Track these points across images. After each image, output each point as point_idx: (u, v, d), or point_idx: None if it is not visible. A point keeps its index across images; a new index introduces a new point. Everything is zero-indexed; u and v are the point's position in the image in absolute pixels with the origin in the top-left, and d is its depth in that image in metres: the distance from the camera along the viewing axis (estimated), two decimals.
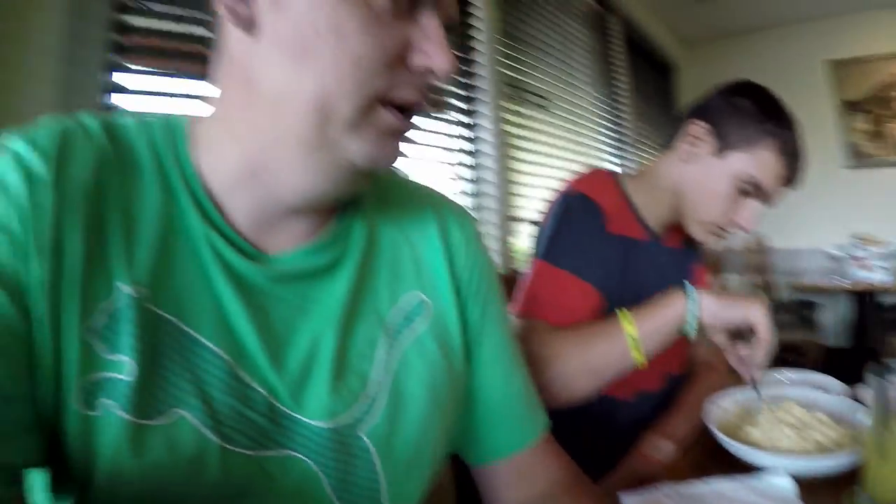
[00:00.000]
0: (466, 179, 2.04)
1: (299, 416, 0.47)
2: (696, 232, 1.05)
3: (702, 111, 1.03)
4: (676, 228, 1.12)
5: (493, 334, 0.64)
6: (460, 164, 2.01)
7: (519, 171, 2.29)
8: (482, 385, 0.63)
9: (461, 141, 2.03)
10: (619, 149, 3.22)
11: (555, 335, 0.87)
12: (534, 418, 0.67)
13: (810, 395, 0.96)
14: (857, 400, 0.90)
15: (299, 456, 0.47)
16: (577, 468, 0.69)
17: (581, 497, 0.65)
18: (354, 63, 0.42)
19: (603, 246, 0.97)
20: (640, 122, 3.56)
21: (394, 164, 0.49)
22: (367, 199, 0.58)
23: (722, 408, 0.92)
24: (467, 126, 2.05)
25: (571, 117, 2.74)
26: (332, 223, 0.55)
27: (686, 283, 0.86)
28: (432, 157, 1.95)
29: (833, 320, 4.19)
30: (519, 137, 2.31)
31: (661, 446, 0.91)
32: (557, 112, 2.63)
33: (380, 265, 0.56)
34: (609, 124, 3.15)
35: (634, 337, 0.83)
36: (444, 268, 0.59)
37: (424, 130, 1.87)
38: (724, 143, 0.98)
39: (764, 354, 0.84)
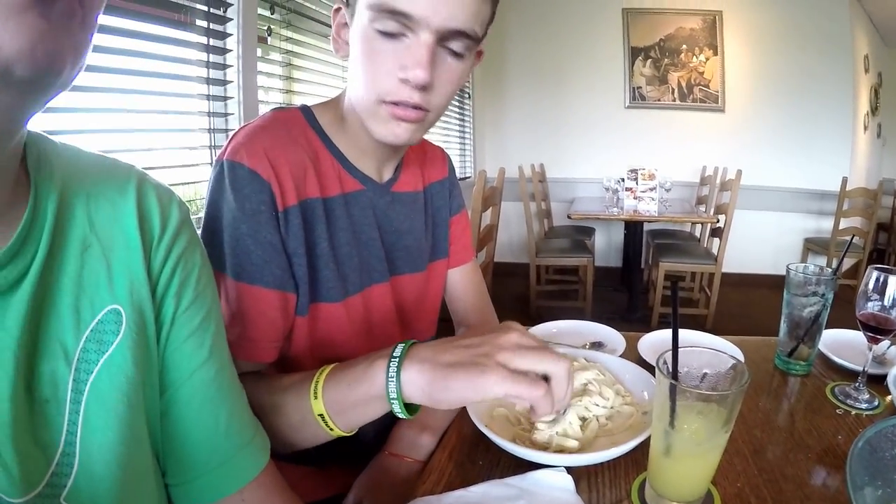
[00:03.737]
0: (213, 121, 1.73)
1: None
2: (375, 127, 0.73)
3: None
4: (418, 164, 0.92)
5: (190, 345, 0.52)
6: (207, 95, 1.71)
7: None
8: (178, 414, 0.52)
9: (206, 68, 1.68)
10: None
11: (264, 386, 0.69)
12: (242, 458, 0.55)
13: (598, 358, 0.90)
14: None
15: None
16: None
17: None
18: None
19: (274, 232, 0.72)
20: None
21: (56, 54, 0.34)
22: (57, 175, 0.45)
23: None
24: (215, 50, 1.71)
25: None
26: (18, 211, 0.42)
27: (397, 347, 0.61)
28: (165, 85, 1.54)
29: (606, 244, 4.75)
30: (291, 68, 2.09)
31: (416, 441, 0.77)
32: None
33: (64, 278, 0.44)
34: None
35: (322, 413, 0.63)
36: (141, 263, 0.48)
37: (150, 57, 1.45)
38: (349, 3, 0.71)
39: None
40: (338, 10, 0.74)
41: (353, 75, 0.72)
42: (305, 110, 0.81)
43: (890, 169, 7.15)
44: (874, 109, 6.31)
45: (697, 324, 3.61)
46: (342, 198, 0.80)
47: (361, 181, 0.82)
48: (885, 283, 0.88)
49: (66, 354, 0.43)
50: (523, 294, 3.87)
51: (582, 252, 3.76)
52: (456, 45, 0.69)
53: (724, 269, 3.62)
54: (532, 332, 0.64)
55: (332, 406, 0.62)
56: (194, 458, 0.52)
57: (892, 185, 5.93)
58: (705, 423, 0.59)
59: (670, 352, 0.59)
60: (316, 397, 0.62)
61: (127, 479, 0.45)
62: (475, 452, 0.72)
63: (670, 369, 0.59)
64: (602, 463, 0.70)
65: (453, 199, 1.02)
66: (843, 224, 4.51)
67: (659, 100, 4.84)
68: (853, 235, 1.50)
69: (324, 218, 0.77)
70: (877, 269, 0.91)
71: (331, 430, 0.64)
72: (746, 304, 3.72)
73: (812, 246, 4.77)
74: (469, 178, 4.53)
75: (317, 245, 0.76)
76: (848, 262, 4.81)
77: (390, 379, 0.58)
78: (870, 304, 0.90)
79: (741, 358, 0.99)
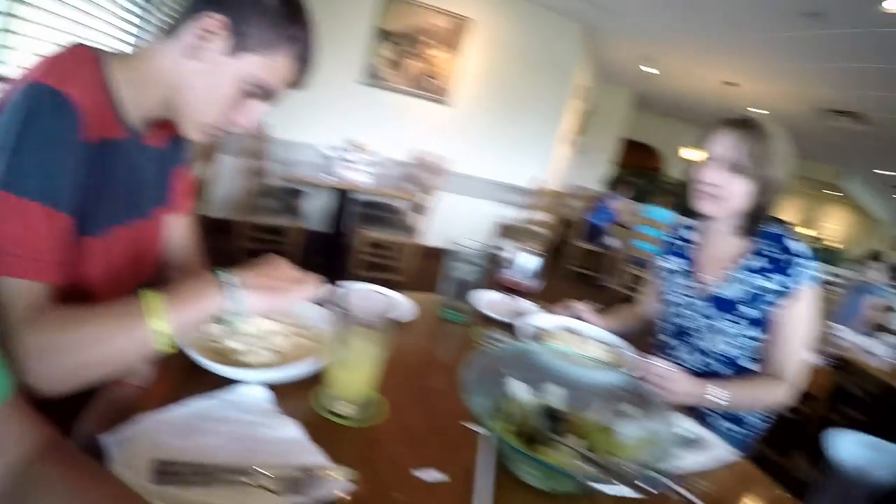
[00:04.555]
0: None
1: None
2: (193, 132, 0.92)
3: (220, 3, 0.84)
4: (163, 125, 0.98)
5: None
6: None
7: None
8: None
9: None
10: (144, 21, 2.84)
11: (56, 321, 0.71)
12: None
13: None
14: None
15: None
16: (51, 432, 0.59)
17: (56, 465, 0.56)
18: None
19: (76, 160, 0.76)
20: None
21: None
22: None
23: None
24: None
25: None
26: None
27: (221, 273, 0.78)
28: None
29: (317, 209, 4.89)
30: None
31: (135, 369, 0.82)
32: None
33: None
34: None
35: (165, 332, 0.73)
36: None
37: None
38: (241, 44, 0.85)
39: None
40: (211, 18, 0.83)
41: (204, 93, 0.87)
42: (96, 51, 0.84)
43: (582, 177, 8.59)
44: (580, 130, 7.51)
45: (395, 288, 3.90)
46: (115, 142, 0.86)
47: (128, 131, 0.89)
48: (522, 258, 1.28)
49: None
50: (229, 251, 3.82)
51: (292, 214, 3.84)
52: None
53: (424, 243, 4.00)
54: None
55: (177, 325, 0.74)
56: None
57: (579, 190, 7.12)
58: (365, 340, 0.82)
59: (346, 289, 0.85)
60: (160, 318, 0.72)
61: None
62: (187, 377, 0.84)
63: (342, 302, 0.83)
64: (292, 380, 0.88)
65: (184, 151, 1.12)
66: (532, 216, 5.30)
67: (392, 83, 5.11)
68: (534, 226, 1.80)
69: (106, 156, 0.84)
70: (516, 247, 1.28)
71: (165, 347, 0.74)
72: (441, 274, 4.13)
73: (505, 231, 5.49)
74: None
75: (97, 180, 0.83)
76: (536, 248, 5.65)
77: (233, 299, 0.76)
78: (511, 273, 1.30)
79: (409, 304, 1.32)
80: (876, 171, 9.12)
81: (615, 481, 0.67)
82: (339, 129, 4.77)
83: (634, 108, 9.48)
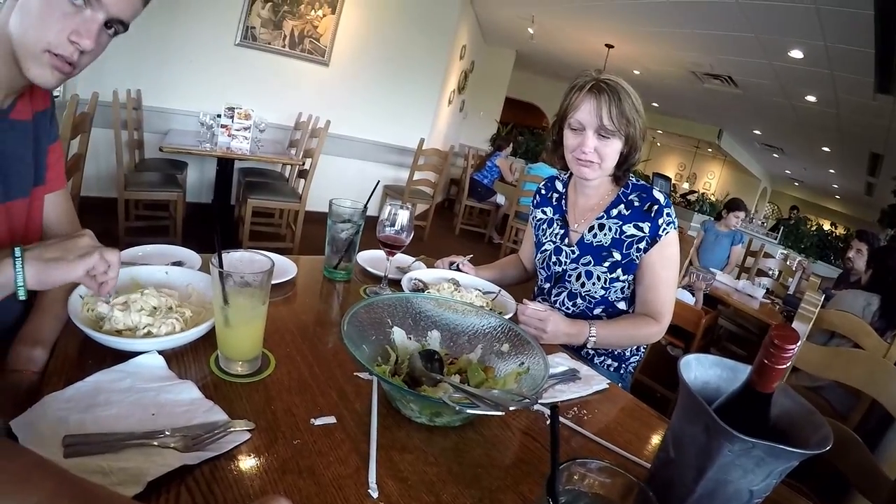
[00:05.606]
0: None
1: None
2: (33, 69, 0.85)
3: None
4: (28, 94, 0.95)
5: None
6: None
7: None
8: None
9: None
10: None
11: None
12: None
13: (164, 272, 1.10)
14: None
15: None
16: None
17: None
18: None
19: None
20: None
21: None
22: None
23: (84, 299, 0.94)
24: None
25: None
26: None
27: (15, 250, 0.75)
28: None
29: (198, 180, 4.70)
30: None
31: (32, 355, 0.83)
32: None
33: None
34: None
35: None
36: None
37: None
38: None
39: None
40: None
41: (34, 11, 0.82)
42: None
43: (467, 137, 8.76)
44: (461, 88, 7.59)
45: (283, 255, 3.86)
46: None
47: None
48: (396, 214, 1.33)
49: None
50: (111, 231, 3.57)
51: (173, 187, 3.66)
52: (113, 28, 0.89)
53: (308, 208, 3.96)
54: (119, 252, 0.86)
55: None
56: None
57: (464, 150, 7.27)
58: (248, 300, 0.84)
59: (217, 254, 0.84)
60: None
61: None
62: (84, 355, 0.86)
63: (218, 262, 0.83)
64: (185, 345, 0.92)
65: (53, 126, 1.07)
66: (417, 176, 5.36)
67: (270, 44, 4.93)
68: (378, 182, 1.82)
69: None
70: (390, 204, 1.28)
71: None
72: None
73: (389, 192, 5.53)
74: (58, 97, 3.95)
75: None
76: (422, 207, 5.76)
77: (17, 272, 0.74)
78: (387, 229, 1.33)
79: (290, 264, 1.39)
80: (755, 131, 9.92)
81: (484, 405, 0.74)
82: (218, 94, 4.56)
83: (519, 68, 9.71)
